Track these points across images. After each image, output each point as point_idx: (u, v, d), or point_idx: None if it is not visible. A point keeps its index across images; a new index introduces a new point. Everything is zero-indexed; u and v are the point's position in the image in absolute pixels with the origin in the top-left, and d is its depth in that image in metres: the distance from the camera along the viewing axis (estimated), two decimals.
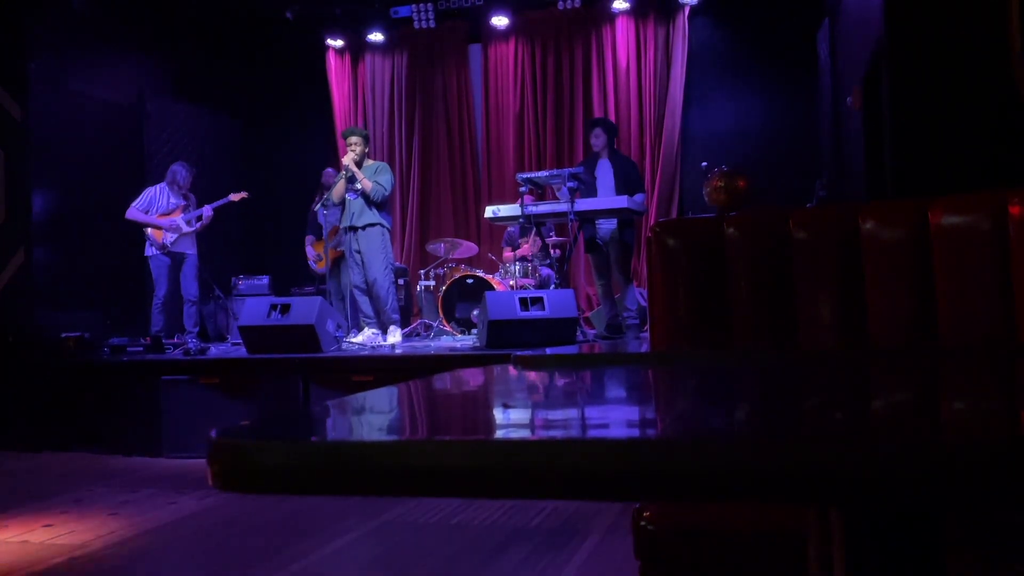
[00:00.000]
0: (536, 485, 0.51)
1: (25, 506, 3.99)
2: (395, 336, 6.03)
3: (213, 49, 8.83)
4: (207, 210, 7.01)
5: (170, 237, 6.86)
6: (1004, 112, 2.58)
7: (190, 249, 6.99)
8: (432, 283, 7.54)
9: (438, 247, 7.82)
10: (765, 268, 1.68)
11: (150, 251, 6.90)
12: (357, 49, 9.37)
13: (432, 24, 8.84)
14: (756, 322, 1.68)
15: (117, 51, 7.83)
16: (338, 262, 7.26)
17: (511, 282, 6.92)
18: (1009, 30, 2.56)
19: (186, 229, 6.93)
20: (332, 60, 9.42)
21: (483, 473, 0.52)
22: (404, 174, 9.15)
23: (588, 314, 7.50)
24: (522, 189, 6.15)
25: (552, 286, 6.59)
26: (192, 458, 5.13)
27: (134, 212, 6.85)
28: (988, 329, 1.52)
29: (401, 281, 7.55)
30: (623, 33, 8.52)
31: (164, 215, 6.90)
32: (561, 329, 5.22)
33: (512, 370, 1.15)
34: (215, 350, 6.31)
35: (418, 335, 7.13)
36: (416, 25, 8.85)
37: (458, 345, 6.02)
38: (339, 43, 9.28)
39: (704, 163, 6.36)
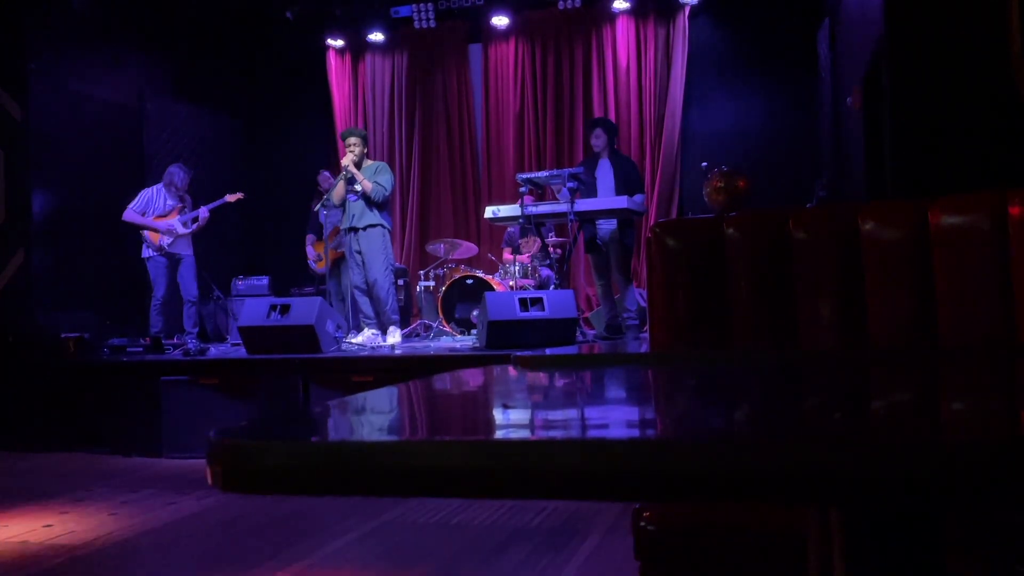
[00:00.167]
0: (536, 485, 0.51)
1: (25, 506, 3.99)
2: (395, 337, 6.03)
3: (213, 49, 8.83)
4: (203, 211, 7.00)
5: (167, 239, 6.86)
6: (1004, 112, 2.58)
7: (186, 250, 6.98)
8: (432, 283, 7.54)
9: (438, 247, 7.82)
10: (765, 268, 1.68)
11: (147, 252, 6.89)
12: (357, 49, 9.37)
13: (432, 24, 8.84)
14: (756, 322, 1.68)
15: (117, 51, 7.83)
16: (338, 263, 7.26)
17: (511, 283, 6.92)
18: (1009, 30, 2.56)
19: (182, 231, 6.92)
20: (332, 60, 9.42)
21: (483, 473, 0.52)
22: (404, 174, 9.15)
23: (588, 314, 7.50)
24: (522, 189, 6.15)
25: (552, 286, 6.59)
26: (192, 458, 5.13)
27: (131, 214, 6.84)
28: (988, 329, 1.52)
29: (401, 282, 7.55)
30: (623, 33, 8.52)
31: (160, 217, 6.89)
32: (561, 329, 5.22)
33: (512, 370, 1.15)
34: (215, 350, 6.31)
35: (418, 336, 7.13)
36: (416, 25, 8.85)
37: (458, 346, 6.02)
38: (339, 43, 9.29)
39: (704, 163, 6.37)
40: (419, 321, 7.43)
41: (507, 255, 7.46)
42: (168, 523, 3.59)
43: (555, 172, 6.03)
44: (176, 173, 7.04)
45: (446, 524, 3.37)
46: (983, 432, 0.59)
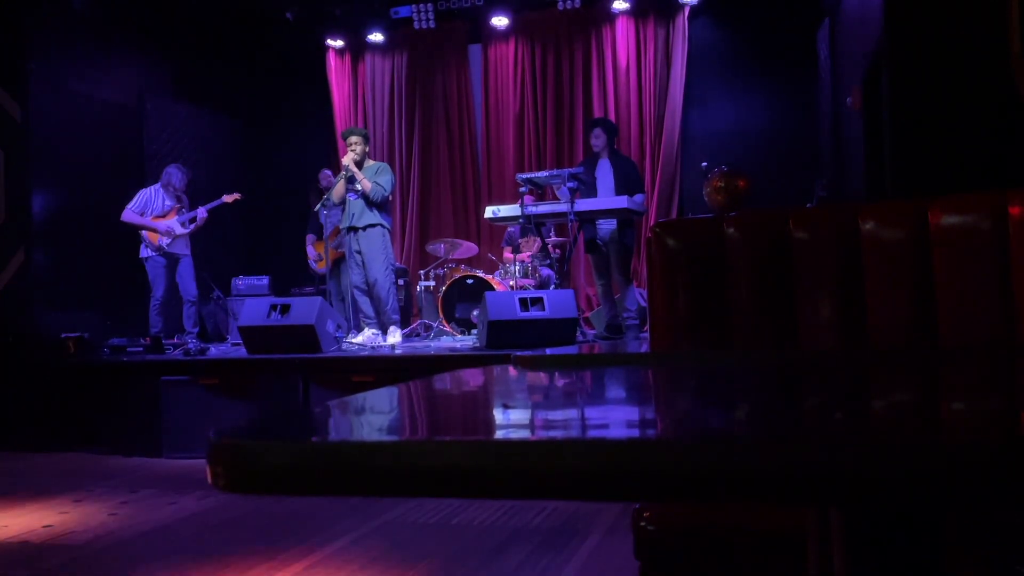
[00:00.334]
0: (536, 485, 0.51)
1: (25, 506, 3.99)
2: (395, 336, 6.03)
3: (213, 49, 8.83)
4: (201, 212, 7.00)
5: (166, 240, 6.86)
6: (1004, 112, 2.58)
7: (184, 250, 6.98)
8: (432, 283, 7.54)
9: (438, 247, 7.82)
10: (765, 268, 1.68)
11: (146, 252, 6.89)
12: (357, 49, 9.37)
13: (432, 24, 8.84)
14: (756, 322, 1.68)
15: (117, 51, 7.83)
16: (338, 263, 7.26)
17: (511, 282, 6.92)
18: (1009, 30, 2.56)
19: (181, 231, 6.92)
20: (332, 60, 9.43)
21: (483, 473, 0.52)
22: (404, 174, 9.15)
23: (588, 314, 7.50)
24: (522, 189, 6.15)
25: (552, 286, 6.59)
26: (192, 458, 5.13)
27: (130, 215, 6.83)
28: (988, 329, 1.52)
29: (401, 281, 7.56)
30: (623, 33, 8.52)
31: (159, 217, 6.89)
32: (561, 329, 5.22)
33: (512, 370, 1.15)
34: (215, 350, 6.31)
35: (418, 335, 7.13)
36: (416, 25, 8.86)
37: (458, 345, 6.02)
38: (339, 43, 9.29)
39: (704, 163, 6.37)
40: (419, 321, 7.43)
41: (507, 255, 7.46)
42: (168, 523, 3.60)
43: (555, 172, 6.03)
44: (174, 173, 7.03)
45: (446, 524, 3.37)
46: (983, 432, 0.59)
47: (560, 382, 1.10)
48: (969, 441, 0.49)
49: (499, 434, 0.67)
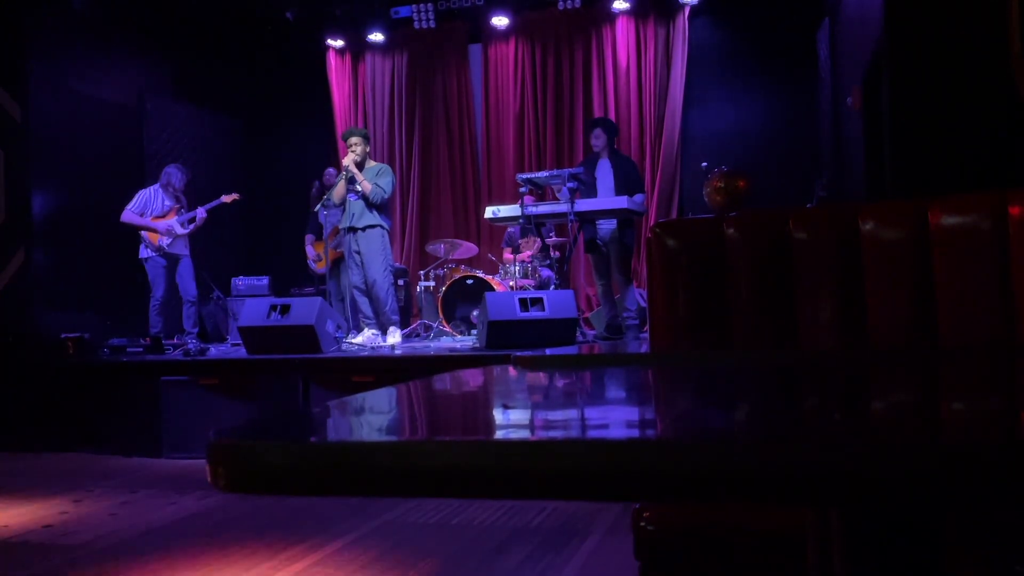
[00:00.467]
0: (536, 485, 0.51)
1: (25, 506, 3.99)
2: (395, 337, 6.03)
3: (213, 49, 8.83)
4: (201, 212, 7.00)
5: (166, 240, 6.86)
6: (1004, 112, 2.58)
7: (184, 250, 6.99)
8: (432, 284, 7.54)
9: (438, 248, 7.82)
10: (765, 268, 1.68)
11: (145, 253, 6.89)
12: (357, 49, 9.37)
13: (432, 24, 8.84)
14: (756, 322, 1.68)
15: (117, 51, 7.83)
16: (338, 263, 7.26)
17: (511, 283, 6.92)
18: (1009, 30, 2.56)
19: (181, 231, 6.92)
20: (332, 60, 9.43)
21: (483, 473, 0.52)
22: (404, 174, 9.15)
23: (588, 315, 7.50)
24: (522, 189, 6.15)
25: (552, 287, 6.59)
26: (192, 458, 5.13)
27: (129, 215, 6.83)
28: (988, 329, 1.52)
29: (401, 282, 7.56)
30: (623, 33, 8.52)
31: (158, 217, 6.89)
32: (561, 330, 5.22)
33: (512, 371, 1.15)
34: (215, 350, 6.31)
35: (418, 336, 7.13)
36: (416, 25, 8.86)
37: (458, 346, 6.02)
38: (339, 43, 9.29)
39: (704, 163, 6.37)
40: (419, 321, 7.44)
41: (507, 255, 7.46)
42: (168, 523, 3.60)
43: (555, 172, 6.03)
44: (173, 174, 7.03)
45: (446, 524, 3.37)
46: (983, 432, 0.59)
47: (560, 382, 1.10)
48: (969, 441, 0.49)
49: (499, 434, 0.67)
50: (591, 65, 8.65)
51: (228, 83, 9.07)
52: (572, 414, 0.81)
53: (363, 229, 5.96)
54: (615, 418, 0.78)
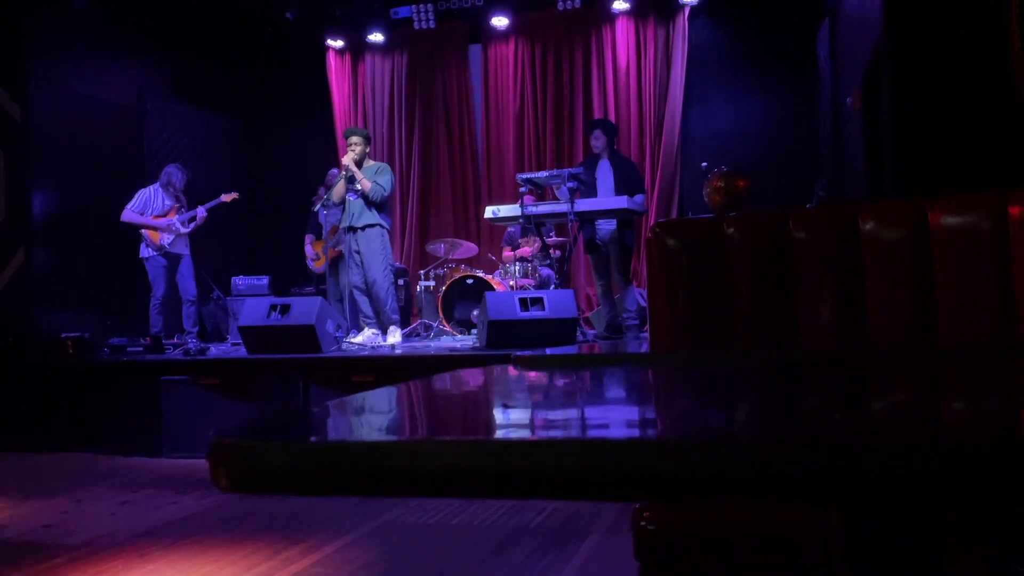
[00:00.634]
0: (536, 485, 0.51)
1: (25, 506, 3.99)
2: (395, 336, 6.03)
3: (213, 49, 8.83)
4: (201, 211, 7.00)
5: (167, 239, 6.86)
6: (1004, 112, 2.58)
7: (184, 250, 6.99)
8: (432, 283, 7.54)
9: (438, 247, 7.82)
10: (765, 268, 1.68)
11: (146, 252, 6.89)
12: (357, 49, 9.37)
13: (432, 24, 8.84)
14: (756, 322, 1.68)
15: (117, 51, 7.83)
16: (336, 262, 7.26)
17: (511, 282, 6.92)
18: (1009, 30, 2.56)
19: (182, 230, 6.93)
20: (332, 60, 9.43)
21: (483, 473, 0.52)
22: (404, 174, 9.15)
23: (588, 314, 7.50)
24: (522, 189, 6.15)
25: (552, 286, 6.59)
26: (192, 458, 5.13)
27: (130, 214, 6.83)
28: (988, 329, 1.52)
29: (401, 281, 7.55)
30: (623, 33, 8.52)
31: (159, 217, 6.89)
32: (561, 329, 5.22)
33: (512, 370, 1.15)
34: (215, 350, 6.31)
35: (418, 335, 7.13)
36: (416, 26, 8.86)
37: (458, 345, 6.02)
38: (339, 43, 9.29)
39: (704, 163, 6.37)
40: (419, 321, 7.43)
41: (507, 255, 7.46)
42: (168, 523, 3.60)
43: (555, 172, 6.03)
44: (174, 173, 7.03)
45: (446, 524, 3.37)
46: (983, 432, 0.59)
47: (560, 382, 1.10)
48: (969, 441, 0.49)
49: (499, 434, 0.67)
50: (591, 65, 8.65)
51: (228, 83, 9.07)
52: (572, 414, 0.81)
53: (363, 228, 5.96)
54: (615, 418, 0.78)
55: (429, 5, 8.74)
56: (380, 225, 5.99)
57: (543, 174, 6.12)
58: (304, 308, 5.53)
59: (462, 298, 7.06)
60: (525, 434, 0.68)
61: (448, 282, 7.11)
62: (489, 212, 6.29)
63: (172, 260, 6.93)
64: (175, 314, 7.06)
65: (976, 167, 2.63)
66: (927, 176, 2.70)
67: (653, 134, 8.38)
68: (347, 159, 6.02)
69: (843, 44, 5.60)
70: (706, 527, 1.41)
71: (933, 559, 0.89)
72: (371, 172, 6.01)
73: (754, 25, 8.05)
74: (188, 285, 6.98)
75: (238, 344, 6.34)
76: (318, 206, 6.60)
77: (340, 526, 3.37)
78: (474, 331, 6.52)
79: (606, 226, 6.18)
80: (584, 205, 5.89)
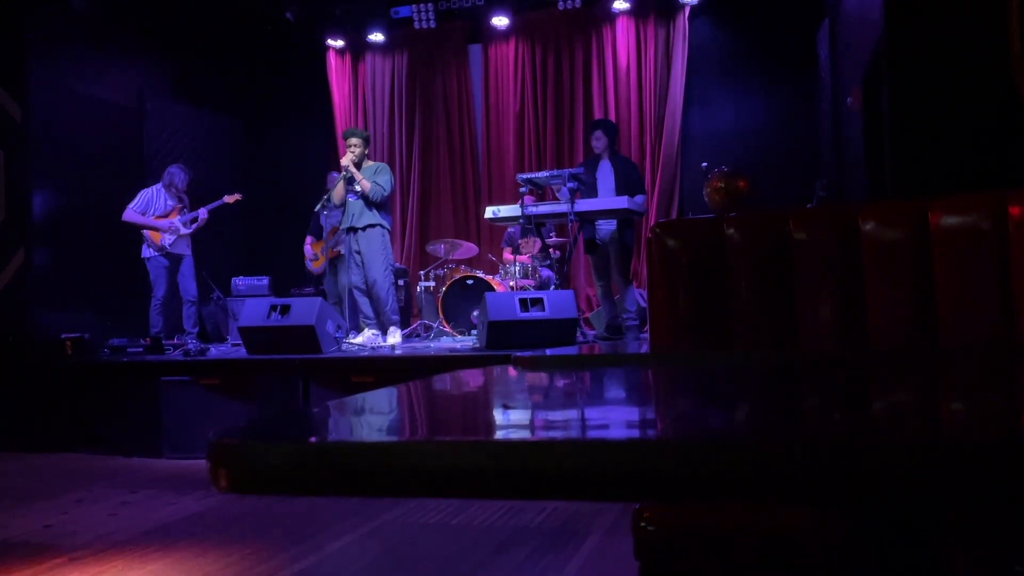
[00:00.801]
0: (536, 485, 0.51)
1: (25, 506, 3.99)
2: (395, 337, 6.03)
3: (213, 49, 8.83)
4: (202, 212, 7.00)
5: (169, 239, 6.86)
6: (1004, 112, 2.58)
7: (186, 250, 6.99)
8: (432, 284, 7.54)
9: (438, 248, 7.82)
10: (765, 268, 1.68)
11: (147, 252, 6.89)
12: (357, 49, 9.37)
13: (432, 24, 8.84)
14: (756, 322, 1.68)
15: (117, 51, 7.83)
16: (335, 262, 7.26)
17: (511, 283, 6.92)
18: (1009, 30, 2.56)
19: (184, 231, 6.93)
20: (332, 60, 9.43)
21: (483, 473, 0.52)
22: (404, 174, 9.15)
23: (588, 315, 7.50)
24: (522, 190, 6.15)
25: (552, 287, 6.59)
26: (192, 458, 5.13)
27: (131, 214, 6.83)
28: (988, 329, 1.52)
29: (401, 282, 7.55)
30: (623, 33, 8.52)
31: (160, 217, 6.89)
32: (561, 330, 5.21)
33: (512, 371, 1.15)
34: (215, 351, 6.31)
35: (418, 336, 7.13)
36: (416, 25, 8.86)
37: (458, 346, 6.02)
38: (339, 43, 9.29)
39: (704, 163, 6.36)
40: (419, 321, 7.43)
41: (507, 255, 7.46)
42: (168, 523, 3.59)
43: (555, 172, 6.03)
44: (176, 174, 7.03)
45: (446, 524, 3.37)
46: (983, 432, 0.59)
47: (560, 382, 1.10)
48: (969, 441, 0.49)
49: (499, 434, 0.67)
50: (591, 65, 8.65)
51: (228, 83, 9.06)
52: (572, 414, 0.81)
53: (363, 229, 5.96)
54: (615, 418, 0.78)
55: (429, 5, 8.74)
56: (381, 225, 5.99)
57: (543, 174, 6.12)
58: (304, 309, 5.53)
59: (462, 299, 7.06)
60: (525, 435, 0.68)
61: (448, 282, 7.11)
62: (489, 212, 6.29)
63: (173, 261, 6.93)
64: (175, 315, 7.06)
65: (976, 167, 2.63)
66: (927, 176, 2.70)
67: (653, 134, 8.38)
68: (346, 160, 6.02)
69: (843, 44, 5.60)
70: (706, 527, 1.41)
71: (933, 559, 0.89)
72: (370, 172, 6.01)
73: (754, 25, 8.05)
74: (189, 285, 6.98)
75: (238, 344, 6.34)
76: (318, 207, 6.61)
77: (340, 526, 3.36)
78: (474, 332, 6.52)
79: (606, 226, 6.18)
80: (584, 205, 5.89)
